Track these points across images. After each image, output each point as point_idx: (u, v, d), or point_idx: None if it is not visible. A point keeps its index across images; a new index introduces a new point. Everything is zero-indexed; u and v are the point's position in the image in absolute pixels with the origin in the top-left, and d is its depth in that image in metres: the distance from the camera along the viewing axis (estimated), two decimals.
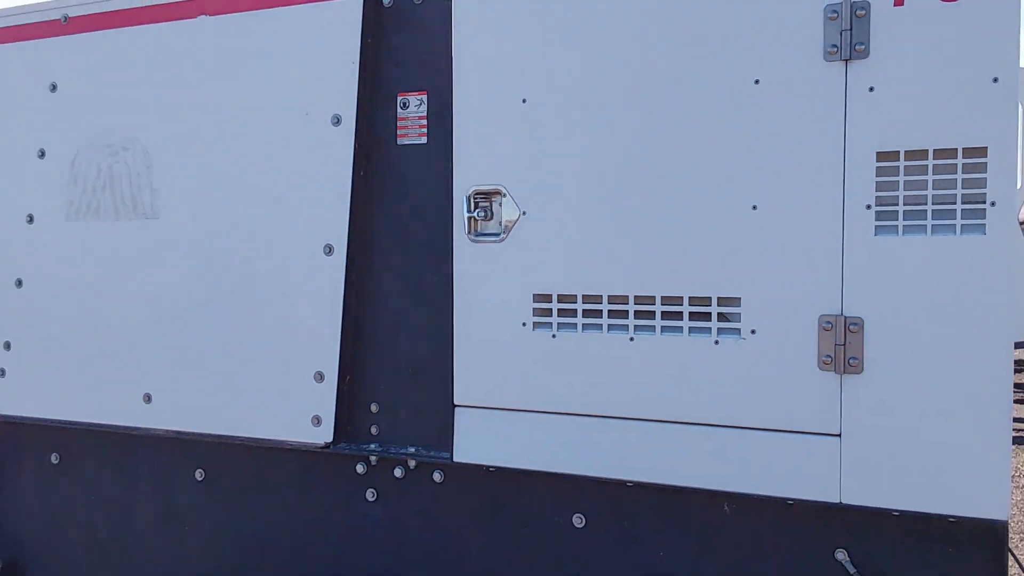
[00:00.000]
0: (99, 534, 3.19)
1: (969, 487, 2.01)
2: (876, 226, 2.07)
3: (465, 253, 2.48)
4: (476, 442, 2.48)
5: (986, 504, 2.00)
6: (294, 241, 2.71)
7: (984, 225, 2.01)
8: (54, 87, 3.10)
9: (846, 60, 2.08)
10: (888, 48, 2.05)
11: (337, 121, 2.64)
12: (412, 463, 2.65)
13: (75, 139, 3.07)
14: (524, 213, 2.40)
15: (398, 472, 2.67)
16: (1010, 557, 3.14)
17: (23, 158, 3.17)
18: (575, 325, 2.36)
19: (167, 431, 2.94)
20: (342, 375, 2.68)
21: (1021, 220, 4.46)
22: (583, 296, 2.34)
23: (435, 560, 2.65)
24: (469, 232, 2.46)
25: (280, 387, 2.74)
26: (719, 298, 2.21)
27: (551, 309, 2.38)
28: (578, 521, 2.46)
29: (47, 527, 3.30)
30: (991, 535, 2.07)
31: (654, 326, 2.28)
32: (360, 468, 2.72)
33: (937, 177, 2.04)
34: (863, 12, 2.06)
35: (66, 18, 3.09)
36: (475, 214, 2.45)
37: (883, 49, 2.05)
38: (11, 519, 3.39)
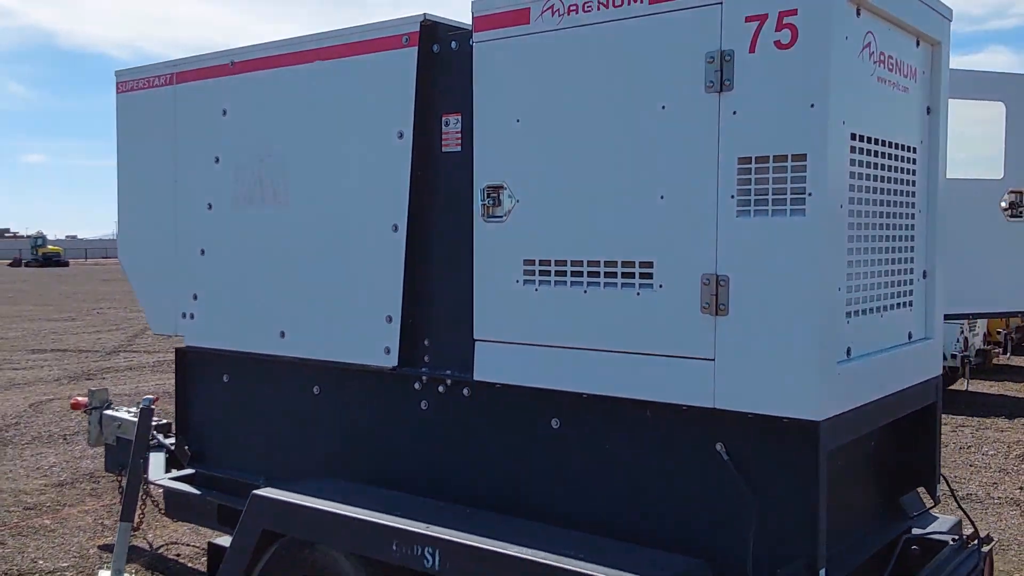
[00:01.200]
0: (253, 431, 4.46)
1: (792, 396, 2.82)
2: (737, 211, 2.90)
3: (481, 231, 3.48)
4: (489, 365, 3.49)
5: (802, 408, 2.81)
6: (372, 222, 3.82)
7: (804, 210, 2.80)
8: (224, 112, 4.37)
9: (718, 92, 2.92)
10: (746, 83, 2.87)
11: (400, 135, 3.71)
12: (449, 382, 3.70)
13: (238, 150, 4.33)
14: (518, 201, 3.37)
15: (441, 388, 3.72)
16: (944, 483, 3.82)
17: (204, 163, 4.47)
18: (549, 282, 3.32)
19: (294, 358, 4.15)
20: (404, 318, 3.76)
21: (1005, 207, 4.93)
22: (554, 261, 3.30)
23: (465, 447, 3.68)
24: (483, 215, 3.47)
25: (363, 327, 3.87)
26: (640, 262, 3.11)
27: (534, 271, 3.35)
28: (555, 423, 3.42)
29: (220, 426, 4.63)
30: (809, 431, 2.87)
31: (599, 282, 3.20)
32: (416, 385, 3.81)
33: (776, 175, 2.84)
34: (729, 58, 2.88)
35: (232, 63, 4.34)
36: (487, 202, 3.45)
37: (743, 84, 2.87)
38: (197, 421, 4.75)
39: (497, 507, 3.55)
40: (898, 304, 3.38)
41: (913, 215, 3.45)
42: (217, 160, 4.43)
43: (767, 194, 2.87)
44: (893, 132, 3.25)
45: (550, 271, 3.32)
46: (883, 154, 3.19)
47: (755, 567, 2.92)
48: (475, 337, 3.51)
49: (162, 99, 4.67)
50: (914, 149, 3.43)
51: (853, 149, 2.99)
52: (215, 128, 4.42)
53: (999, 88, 5.07)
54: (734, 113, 2.89)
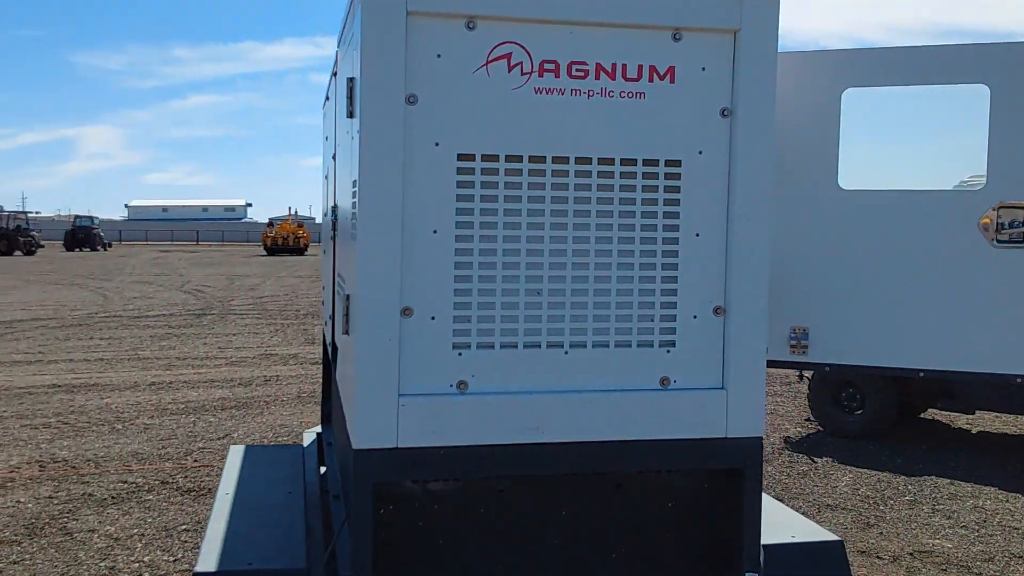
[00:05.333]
0: None
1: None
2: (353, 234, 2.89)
3: None
4: None
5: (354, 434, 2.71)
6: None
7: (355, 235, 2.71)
8: None
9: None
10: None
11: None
12: None
13: None
14: None
15: None
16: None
17: None
18: None
19: None
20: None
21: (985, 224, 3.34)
22: None
23: None
24: None
25: None
26: None
27: None
28: None
29: None
30: (357, 458, 2.74)
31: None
32: None
33: (353, 200, 2.78)
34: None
35: None
36: None
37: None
38: None
39: None
40: (624, 343, 2.91)
41: (676, 239, 2.92)
42: None
43: (350, 220, 2.83)
44: (578, 146, 2.84)
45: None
46: (557, 172, 2.82)
47: None
48: None
49: None
50: (674, 163, 2.90)
51: (462, 171, 2.75)
52: None
53: (980, 66, 3.52)
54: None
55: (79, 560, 5.60)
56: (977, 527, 6.42)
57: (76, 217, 70.03)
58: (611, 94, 2.86)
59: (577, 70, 2.83)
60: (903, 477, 7.57)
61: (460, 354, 2.79)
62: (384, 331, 2.71)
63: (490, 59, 2.76)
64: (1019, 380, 3.59)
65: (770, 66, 2.91)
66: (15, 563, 5.55)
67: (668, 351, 2.94)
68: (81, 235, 63.06)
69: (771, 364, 3.87)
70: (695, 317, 2.95)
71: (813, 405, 9.16)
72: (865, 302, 3.58)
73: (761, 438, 3.02)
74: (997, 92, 3.49)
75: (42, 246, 59.25)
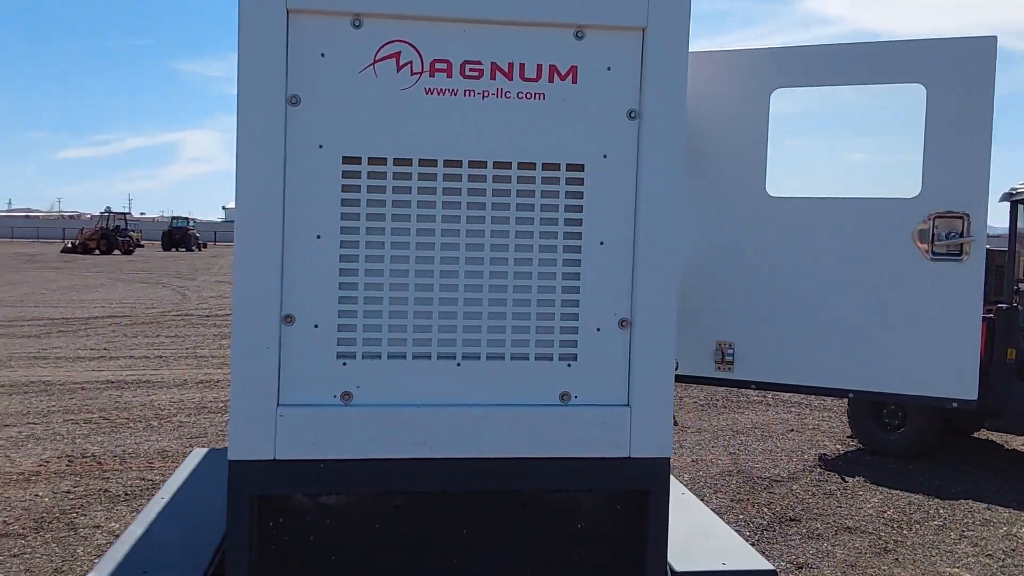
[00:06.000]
0: None
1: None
2: None
3: None
4: None
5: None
6: None
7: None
8: None
9: None
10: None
11: None
12: None
13: None
14: None
15: None
16: None
17: None
18: None
19: None
20: None
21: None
22: None
23: None
24: None
25: None
26: None
27: None
28: None
29: None
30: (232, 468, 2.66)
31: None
32: None
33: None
34: None
35: None
36: None
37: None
38: None
39: None
40: (522, 355, 2.77)
41: (578, 247, 2.77)
42: None
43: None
44: (472, 149, 2.71)
45: None
46: (449, 176, 2.70)
47: None
48: None
49: None
50: (577, 167, 2.75)
51: (347, 174, 2.66)
52: None
53: (916, 64, 3.19)
54: None
55: (76, 556, 5.70)
56: (1004, 556, 6.02)
57: (173, 218, 72.45)
58: (508, 95, 2.73)
59: (471, 70, 2.71)
60: (936, 500, 7.18)
61: (345, 364, 2.70)
62: (261, 339, 2.63)
63: (377, 58, 2.67)
64: (954, 404, 3.29)
65: (680, 65, 2.75)
66: (15, 556, 5.67)
67: (569, 365, 2.79)
68: (177, 235, 65.13)
69: (696, 381, 3.65)
70: (599, 330, 2.79)
71: (852, 422, 8.78)
72: (793, 317, 3.35)
73: (668, 458, 2.84)
74: (933, 92, 3.22)
75: (141, 246, 61.39)
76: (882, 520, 6.71)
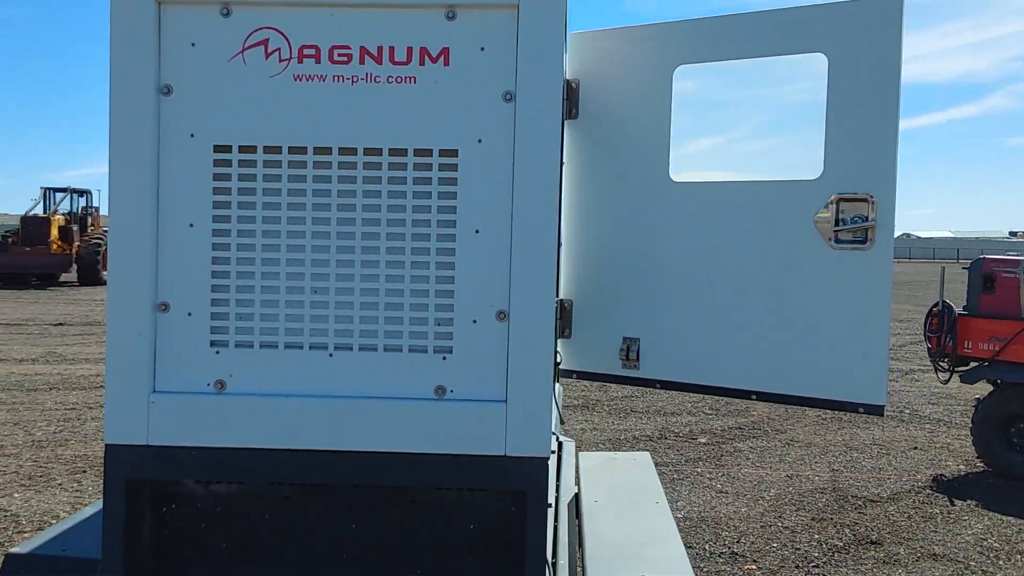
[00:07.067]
0: None
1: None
2: None
3: None
4: None
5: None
6: None
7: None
8: None
9: None
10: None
11: None
12: None
13: None
14: None
15: None
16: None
17: None
18: None
19: None
20: None
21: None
22: None
23: None
24: None
25: None
26: None
27: None
28: None
29: None
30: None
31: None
32: None
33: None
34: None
35: None
36: None
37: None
38: None
39: None
40: (395, 347, 2.68)
41: (452, 235, 2.66)
42: None
43: None
44: (342, 135, 2.65)
45: None
46: (319, 164, 2.66)
47: None
48: None
49: None
50: (450, 152, 2.65)
51: (218, 163, 2.66)
52: None
53: (817, 31, 2.68)
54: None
55: None
56: None
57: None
58: (378, 79, 2.66)
59: (339, 55, 2.66)
60: None
61: (218, 352, 2.70)
62: (135, 325, 2.68)
63: (246, 46, 2.66)
64: (861, 410, 2.90)
65: (555, 44, 2.59)
66: None
67: (444, 358, 2.68)
68: None
69: (603, 379, 3.41)
70: (475, 322, 2.67)
71: (977, 439, 7.98)
72: (696, 312, 3.05)
73: (547, 459, 2.67)
74: (835, 62, 2.83)
75: None
76: (979, 549, 6.07)
